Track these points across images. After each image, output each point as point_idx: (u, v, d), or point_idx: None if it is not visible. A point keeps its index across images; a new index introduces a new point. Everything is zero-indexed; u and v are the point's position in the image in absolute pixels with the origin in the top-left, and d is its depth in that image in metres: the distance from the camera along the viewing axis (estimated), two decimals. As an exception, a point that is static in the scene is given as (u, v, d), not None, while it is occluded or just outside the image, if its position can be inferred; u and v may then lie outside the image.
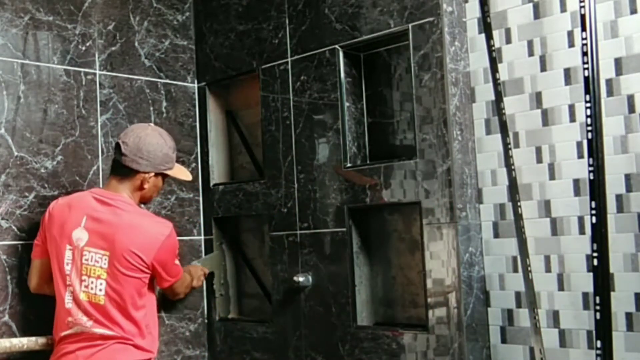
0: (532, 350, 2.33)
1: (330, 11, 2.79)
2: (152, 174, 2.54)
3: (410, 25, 2.53)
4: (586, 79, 2.07)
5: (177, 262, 2.60)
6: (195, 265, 3.05)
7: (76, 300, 2.45)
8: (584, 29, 2.08)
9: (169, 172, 2.61)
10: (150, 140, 2.53)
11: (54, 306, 2.75)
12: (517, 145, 2.41)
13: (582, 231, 2.27)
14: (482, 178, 2.49)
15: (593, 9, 2.08)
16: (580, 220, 2.27)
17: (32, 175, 2.74)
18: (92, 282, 2.44)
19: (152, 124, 2.67)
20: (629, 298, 2.16)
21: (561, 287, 2.31)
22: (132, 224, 2.46)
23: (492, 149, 2.47)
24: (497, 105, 2.39)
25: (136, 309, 2.47)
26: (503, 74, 2.43)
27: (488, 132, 2.48)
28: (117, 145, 2.54)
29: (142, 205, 2.69)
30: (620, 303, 2.16)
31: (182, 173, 2.68)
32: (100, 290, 2.43)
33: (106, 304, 2.43)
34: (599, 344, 2.00)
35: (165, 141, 2.58)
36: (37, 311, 2.70)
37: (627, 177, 2.17)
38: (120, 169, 2.53)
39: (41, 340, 2.64)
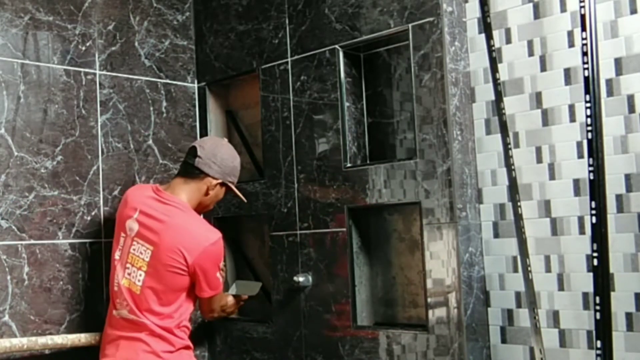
0: (532, 350, 2.33)
1: (330, 11, 2.79)
2: (219, 181, 2.66)
3: (410, 25, 2.53)
4: (586, 79, 2.07)
5: (219, 275, 2.61)
6: (229, 294, 2.92)
7: (119, 285, 2.57)
8: (584, 29, 2.08)
9: (232, 186, 2.72)
10: (225, 150, 2.70)
11: (53, 306, 2.76)
12: (517, 145, 2.41)
13: (582, 231, 2.27)
14: (482, 178, 2.49)
15: (593, 9, 2.08)
16: (580, 220, 2.27)
17: (32, 175, 2.74)
18: (134, 271, 2.55)
19: (226, 139, 2.84)
20: (629, 298, 2.16)
21: (561, 287, 2.31)
22: (181, 224, 2.55)
23: (492, 149, 2.47)
24: (497, 105, 2.39)
25: (168, 304, 2.53)
26: (503, 74, 2.43)
27: (488, 132, 2.48)
28: (193, 148, 2.67)
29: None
30: (620, 303, 2.16)
31: (241, 192, 2.79)
32: (139, 280, 2.54)
33: (141, 295, 2.53)
34: (599, 344, 2.00)
35: (237, 156, 2.74)
36: (37, 311, 2.70)
37: (627, 177, 2.17)
38: (190, 171, 2.64)
39: (41, 340, 2.64)
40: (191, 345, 2.64)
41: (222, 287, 2.67)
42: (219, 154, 2.66)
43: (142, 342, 2.50)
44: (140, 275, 2.53)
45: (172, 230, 2.54)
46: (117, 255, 2.61)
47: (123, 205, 2.68)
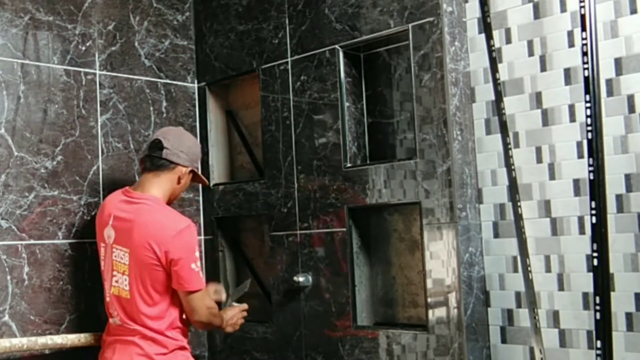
0: (532, 350, 2.33)
1: (330, 11, 2.79)
2: (189, 169, 2.64)
3: (410, 25, 2.53)
4: (586, 79, 2.07)
5: (194, 267, 2.48)
6: (231, 307, 2.75)
7: (110, 295, 2.57)
8: (584, 29, 2.08)
9: (198, 172, 2.71)
10: (188, 138, 2.70)
11: (53, 306, 2.76)
12: (517, 145, 2.41)
13: (582, 231, 2.27)
14: (482, 178, 2.49)
15: (593, 9, 2.08)
16: (580, 220, 2.27)
17: (32, 175, 2.74)
18: (120, 278, 2.54)
19: (181, 128, 2.84)
20: (629, 298, 2.16)
21: (561, 287, 2.31)
22: (149, 219, 2.52)
23: (492, 149, 2.47)
24: (497, 105, 2.39)
25: (156, 304, 2.51)
26: (503, 74, 2.43)
27: (488, 132, 2.48)
28: (157, 141, 2.61)
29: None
30: (620, 303, 2.16)
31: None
32: (126, 285, 2.52)
33: (131, 299, 2.51)
34: (599, 344, 2.01)
35: (198, 142, 2.75)
36: (37, 311, 2.70)
37: (627, 177, 2.17)
38: (159, 164, 2.60)
39: (41, 340, 2.64)
40: (187, 346, 2.60)
41: (201, 283, 2.50)
42: (185, 142, 2.64)
43: (135, 346, 2.50)
44: (126, 280, 2.52)
45: (140, 227, 2.51)
46: (102, 266, 2.61)
47: (100, 215, 2.65)
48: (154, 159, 2.60)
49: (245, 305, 2.75)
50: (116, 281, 2.55)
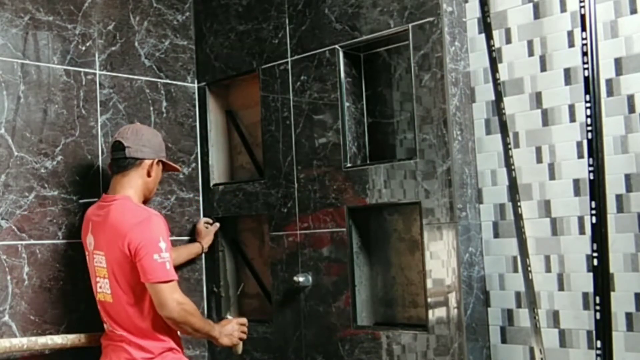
0: (532, 350, 2.33)
1: (330, 11, 2.79)
2: (155, 160, 2.66)
3: (410, 25, 2.53)
4: (586, 79, 2.07)
5: (159, 259, 2.42)
6: (227, 319, 2.71)
7: (98, 302, 2.61)
8: (584, 29, 2.08)
9: (166, 160, 2.74)
10: (145, 131, 2.71)
11: (53, 306, 2.76)
12: (517, 145, 2.41)
13: (582, 231, 2.27)
14: (482, 178, 2.49)
15: (593, 9, 2.08)
16: (580, 220, 2.27)
17: (32, 175, 2.74)
18: (102, 282, 2.56)
19: (137, 122, 2.90)
20: (629, 298, 2.16)
21: (561, 287, 2.31)
22: (116, 217, 2.53)
23: (492, 149, 2.47)
24: (497, 105, 2.39)
25: (138, 302, 2.50)
26: (503, 74, 2.43)
27: (488, 132, 2.48)
28: (117, 143, 2.64)
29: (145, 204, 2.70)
30: (620, 303, 2.16)
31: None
32: (107, 289, 2.54)
33: (114, 302, 2.53)
34: (599, 344, 2.01)
35: (157, 132, 2.79)
36: (37, 311, 2.70)
37: (627, 177, 2.17)
38: (125, 165, 2.62)
39: (41, 340, 2.64)
40: (176, 347, 2.57)
41: (167, 275, 2.42)
42: (143, 136, 2.65)
43: (124, 351, 2.52)
44: (107, 283, 2.54)
45: (109, 227, 2.53)
46: (91, 273, 2.63)
47: (83, 224, 2.70)
48: (119, 161, 2.63)
49: (243, 319, 2.69)
50: (100, 287, 2.57)
